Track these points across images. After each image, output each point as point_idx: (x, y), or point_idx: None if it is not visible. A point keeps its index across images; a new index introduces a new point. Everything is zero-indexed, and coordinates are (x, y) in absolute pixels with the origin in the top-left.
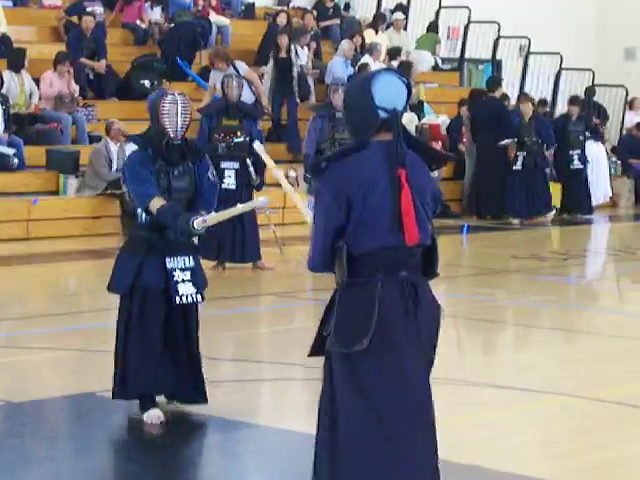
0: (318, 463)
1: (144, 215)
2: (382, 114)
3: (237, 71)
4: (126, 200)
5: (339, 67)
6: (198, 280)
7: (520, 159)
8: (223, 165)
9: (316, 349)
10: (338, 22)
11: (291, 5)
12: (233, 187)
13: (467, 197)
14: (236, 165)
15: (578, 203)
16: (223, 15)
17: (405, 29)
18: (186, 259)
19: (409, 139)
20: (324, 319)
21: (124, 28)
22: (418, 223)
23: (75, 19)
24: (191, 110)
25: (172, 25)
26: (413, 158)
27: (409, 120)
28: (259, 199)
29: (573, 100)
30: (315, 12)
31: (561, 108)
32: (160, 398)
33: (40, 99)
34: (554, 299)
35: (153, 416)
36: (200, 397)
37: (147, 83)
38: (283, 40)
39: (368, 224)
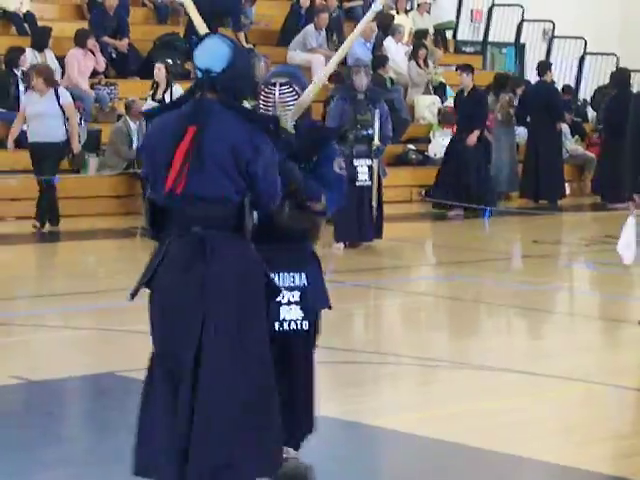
0: None
1: None
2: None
3: None
4: None
5: (359, 48)
6: (309, 303)
7: None
8: None
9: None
10: (361, 3)
11: None
12: None
13: (524, 181)
14: None
15: None
16: None
17: (429, 12)
18: (296, 276)
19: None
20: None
21: (146, 6)
22: None
23: None
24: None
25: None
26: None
27: (431, 102)
28: None
29: None
30: None
31: (584, 93)
32: None
33: (63, 77)
34: (579, 285)
35: None
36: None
37: (169, 62)
38: None
39: None
